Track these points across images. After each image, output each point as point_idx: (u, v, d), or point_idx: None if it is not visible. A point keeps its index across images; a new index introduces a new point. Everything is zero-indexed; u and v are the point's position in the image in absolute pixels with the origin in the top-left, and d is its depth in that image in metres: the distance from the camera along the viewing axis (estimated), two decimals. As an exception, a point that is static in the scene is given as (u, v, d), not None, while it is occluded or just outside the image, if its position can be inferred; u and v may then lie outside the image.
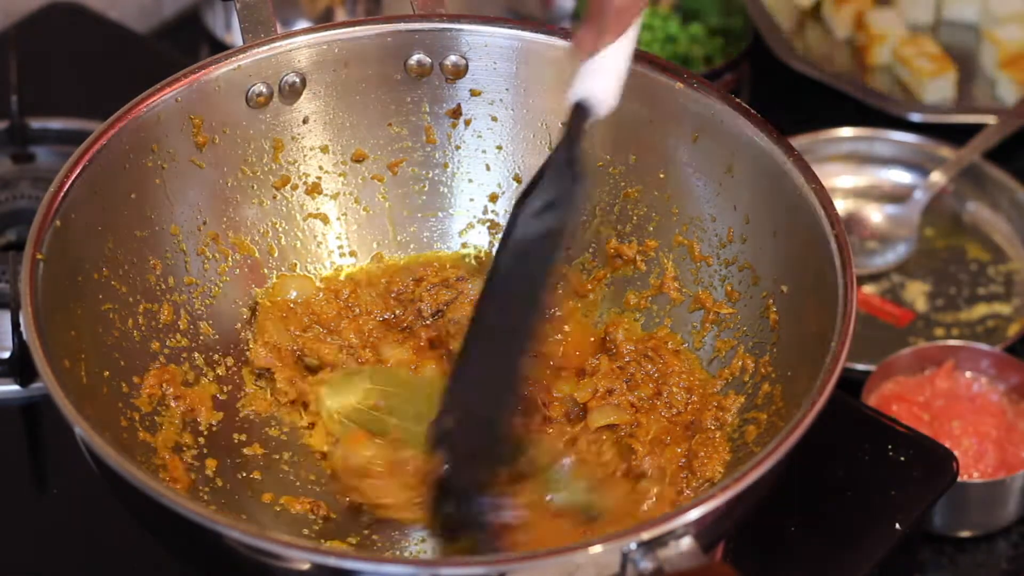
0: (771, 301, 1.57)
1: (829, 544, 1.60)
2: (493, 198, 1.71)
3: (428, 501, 1.48)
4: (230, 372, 1.63)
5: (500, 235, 1.66)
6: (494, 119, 1.69)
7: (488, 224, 1.72)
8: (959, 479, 1.68)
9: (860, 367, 1.93)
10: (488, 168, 1.71)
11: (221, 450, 1.57)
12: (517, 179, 1.70)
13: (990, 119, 2.21)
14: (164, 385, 1.56)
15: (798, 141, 2.18)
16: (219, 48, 2.29)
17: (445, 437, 1.47)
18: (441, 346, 1.65)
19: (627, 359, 1.62)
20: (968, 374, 1.91)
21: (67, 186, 1.50)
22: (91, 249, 1.53)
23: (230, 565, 1.34)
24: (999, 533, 1.86)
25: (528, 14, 2.37)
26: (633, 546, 1.28)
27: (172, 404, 1.56)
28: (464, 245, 1.73)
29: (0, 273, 1.81)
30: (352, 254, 1.71)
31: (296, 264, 1.68)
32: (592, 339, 1.66)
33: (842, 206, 2.17)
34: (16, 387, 1.74)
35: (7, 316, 1.75)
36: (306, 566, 1.29)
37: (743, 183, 1.59)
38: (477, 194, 1.72)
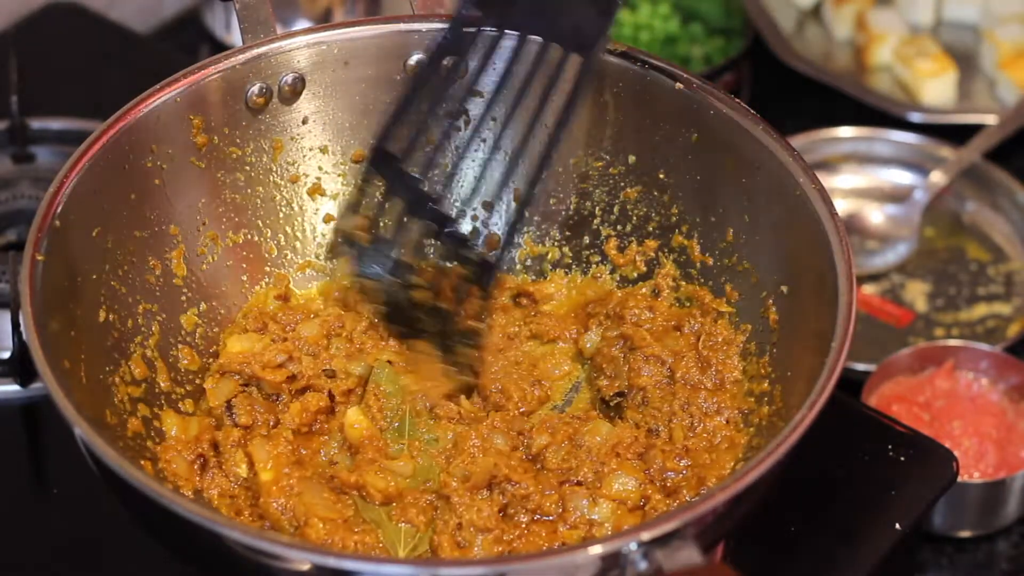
0: (771, 301, 1.57)
1: (829, 544, 1.60)
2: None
3: None
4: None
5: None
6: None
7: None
8: (959, 479, 1.68)
9: (860, 367, 1.93)
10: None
11: None
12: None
13: (990, 119, 2.21)
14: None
15: (798, 141, 2.19)
16: (219, 48, 2.29)
17: None
18: None
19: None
20: (968, 374, 1.91)
21: (67, 186, 1.50)
22: (91, 249, 1.53)
23: (230, 565, 1.34)
24: (999, 533, 1.86)
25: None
26: (633, 546, 1.28)
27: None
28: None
29: (0, 273, 1.81)
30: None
31: (296, 264, 1.69)
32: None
33: (842, 206, 2.17)
34: (16, 387, 1.74)
35: (7, 316, 1.75)
36: (306, 566, 1.29)
37: (743, 183, 1.59)
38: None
